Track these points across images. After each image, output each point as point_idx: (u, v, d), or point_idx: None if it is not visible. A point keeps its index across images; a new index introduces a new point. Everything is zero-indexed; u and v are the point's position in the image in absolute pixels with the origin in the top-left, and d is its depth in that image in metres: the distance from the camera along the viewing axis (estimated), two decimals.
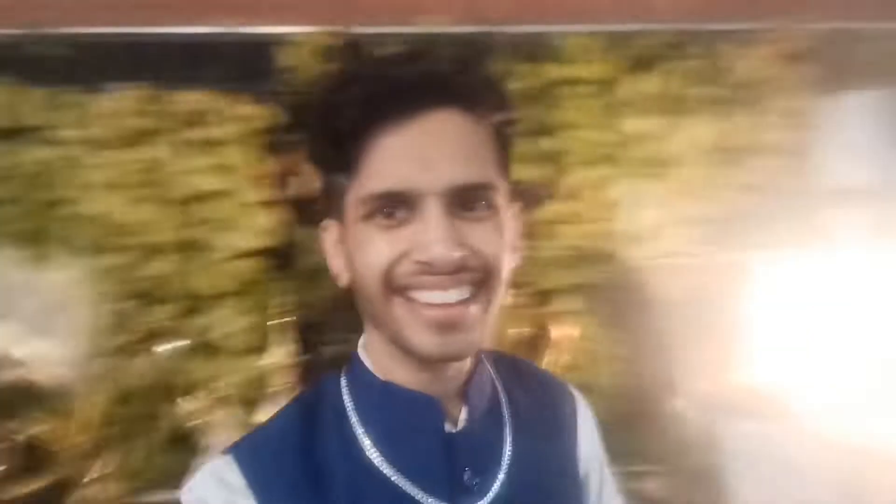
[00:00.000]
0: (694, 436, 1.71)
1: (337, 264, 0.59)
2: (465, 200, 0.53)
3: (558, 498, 0.64)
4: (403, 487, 0.56)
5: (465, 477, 0.57)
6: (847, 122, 1.98)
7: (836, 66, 2.10)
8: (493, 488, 0.58)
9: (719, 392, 1.51)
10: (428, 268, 0.52)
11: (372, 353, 0.60)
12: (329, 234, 0.59)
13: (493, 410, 0.62)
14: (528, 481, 0.61)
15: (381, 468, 0.56)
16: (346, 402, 0.59)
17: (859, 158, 1.83)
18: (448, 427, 0.58)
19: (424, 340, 0.53)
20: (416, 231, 0.52)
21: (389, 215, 0.53)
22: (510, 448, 0.61)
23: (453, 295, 0.53)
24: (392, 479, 0.56)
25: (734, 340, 1.59)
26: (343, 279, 0.58)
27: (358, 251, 0.55)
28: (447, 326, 0.53)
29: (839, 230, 1.83)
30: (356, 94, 0.52)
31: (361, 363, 0.60)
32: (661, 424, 1.84)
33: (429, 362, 0.56)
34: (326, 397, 0.60)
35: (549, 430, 0.66)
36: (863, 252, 1.73)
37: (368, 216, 0.53)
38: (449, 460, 0.57)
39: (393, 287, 0.53)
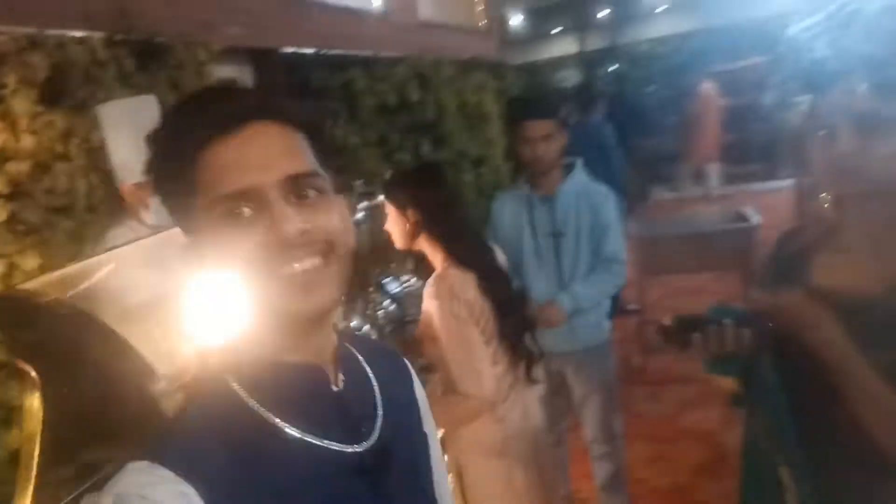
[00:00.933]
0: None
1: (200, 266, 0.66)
2: (299, 189, 0.64)
3: (418, 443, 0.80)
4: (315, 442, 0.65)
5: (356, 422, 0.70)
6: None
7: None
8: (376, 430, 0.71)
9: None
10: (285, 244, 0.62)
11: (255, 336, 0.67)
12: (186, 239, 0.67)
13: (360, 371, 0.75)
14: (398, 425, 0.74)
15: (290, 432, 0.64)
16: (238, 390, 0.66)
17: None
18: (333, 388, 0.70)
19: (295, 303, 0.63)
20: (267, 218, 0.62)
21: (238, 215, 0.62)
22: (380, 399, 0.74)
23: (307, 263, 0.63)
24: (304, 438, 0.65)
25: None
26: (215, 277, 0.65)
27: (223, 250, 0.63)
28: (309, 287, 0.63)
29: None
30: (186, 124, 0.63)
31: (245, 353, 0.67)
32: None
33: (305, 321, 0.66)
34: (217, 393, 0.66)
35: (400, 387, 0.81)
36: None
37: (222, 219, 0.62)
38: (341, 412, 0.69)
39: (264, 270, 0.62)
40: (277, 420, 0.65)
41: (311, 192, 0.65)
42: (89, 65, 2.54)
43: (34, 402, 1.26)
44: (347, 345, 0.77)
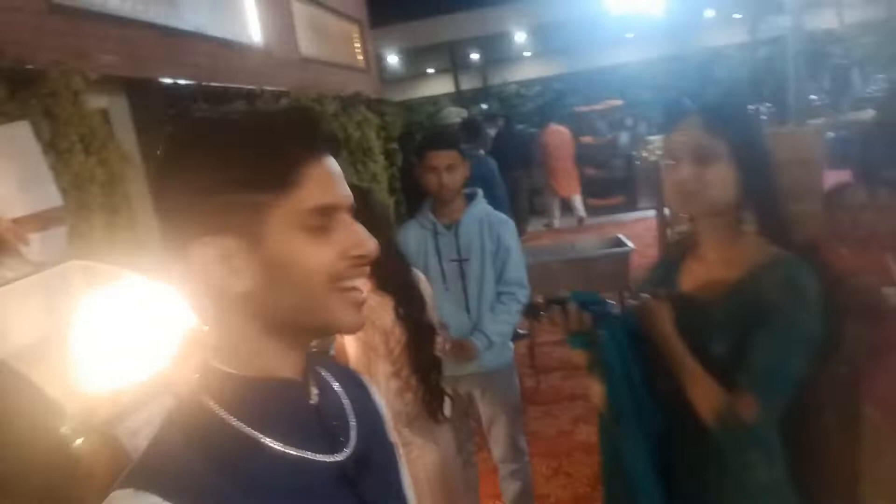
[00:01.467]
0: None
1: (230, 276, 0.64)
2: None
3: (389, 452, 0.83)
4: (299, 454, 0.66)
5: (334, 432, 0.72)
6: None
7: None
8: (352, 439, 0.73)
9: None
10: (361, 260, 0.67)
11: (239, 362, 0.67)
12: (212, 249, 0.64)
13: (327, 385, 0.77)
14: (370, 434, 0.77)
15: (274, 447, 0.65)
16: (218, 412, 0.65)
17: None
18: (310, 401, 0.72)
19: (350, 317, 0.68)
20: (345, 234, 0.67)
21: (322, 227, 0.65)
22: (351, 411, 0.77)
23: (360, 282, 0.68)
24: (288, 451, 0.66)
25: None
26: (238, 287, 0.64)
27: (298, 256, 0.64)
28: (360, 303, 0.69)
29: None
30: (295, 132, 0.66)
31: (229, 374, 0.67)
32: None
33: (318, 335, 0.73)
34: (194, 417, 0.66)
35: (364, 398, 0.83)
36: None
37: (305, 228, 0.64)
38: (320, 424, 0.71)
39: (333, 283, 0.66)
40: (260, 435, 0.65)
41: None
42: None
43: None
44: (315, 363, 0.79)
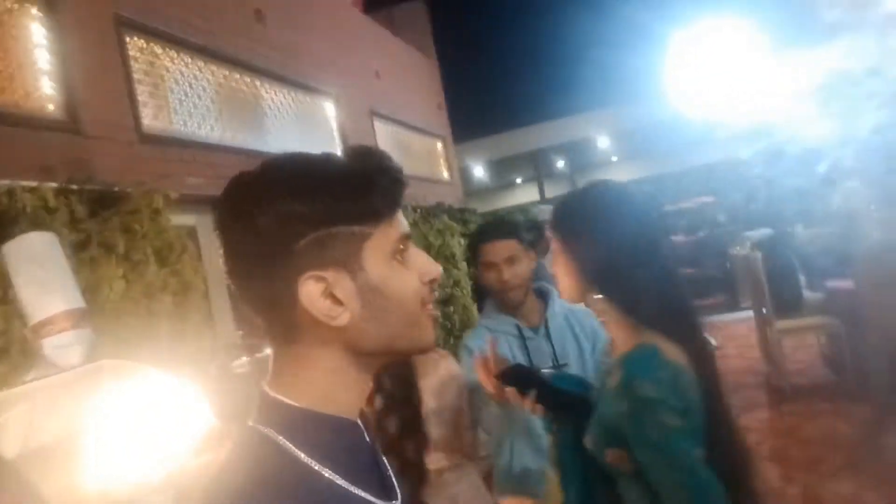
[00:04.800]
0: None
1: (334, 308, 0.65)
2: None
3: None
4: (362, 495, 0.65)
5: (387, 477, 0.72)
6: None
7: None
8: (397, 485, 0.73)
9: None
10: (435, 284, 0.72)
11: (312, 398, 0.66)
12: (319, 284, 0.65)
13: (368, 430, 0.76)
14: (402, 483, 0.76)
15: (339, 483, 0.64)
16: (289, 448, 0.64)
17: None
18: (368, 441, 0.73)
19: (434, 334, 0.73)
20: (419, 261, 0.72)
21: (403, 253, 0.70)
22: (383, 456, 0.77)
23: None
24: (352, 491, 0.64)
25: None
26: (344, 318, 0.66)
27: (394, 282, 0.68)
28: (435, 325, 0.73)
29: None
30: (382, 169, 0.69)
31: (300, 409, 0.66)
32: None
33: (430, 349, 0.75)
34: (264, 453, 0.64)
35: None
36: None
37: (393, 254, 0.69)
38: (378, 466, 0.72)
39: (422, 302, 0.70)
40: (327, 471, 0.64)
41: None
42: (38, 210, 2.59)
43: None
44: None
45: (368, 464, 0.70)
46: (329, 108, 6.17)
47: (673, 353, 1.13)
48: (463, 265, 7.38)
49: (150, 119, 3.90)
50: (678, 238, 9.67)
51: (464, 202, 9.76)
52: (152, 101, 3.98)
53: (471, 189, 13.65)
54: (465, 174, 13.94)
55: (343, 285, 0.65)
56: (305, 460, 0.63)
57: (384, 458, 0.76)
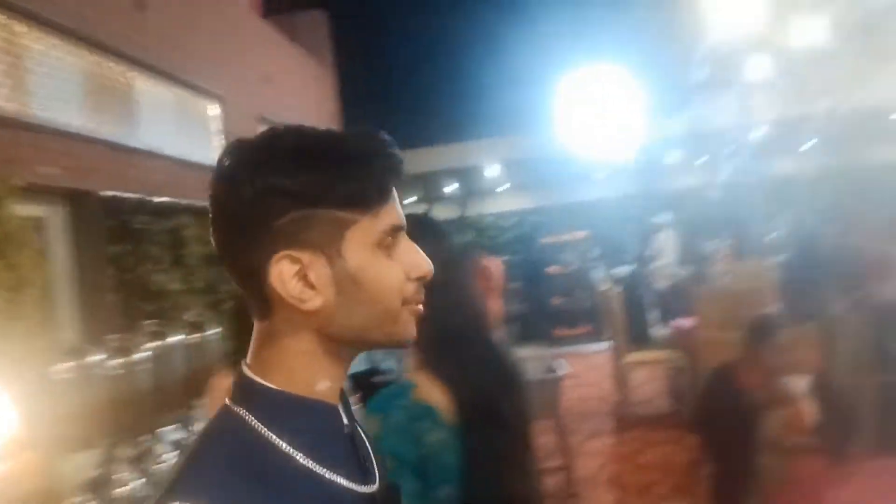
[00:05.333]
0: None
1: (306, 291, 0.64)
2: None
3: (399, 494, 0.79)
4: (335, 479, 0.65)
5: (365, 462, 0.71)
6: None
7: None
8: (376, 471, 0.72)
9: None
10: (423, 281, 0.69)
11: (287, 380, 0.66)
12: (293, 265, 0.64)
13: (353, 416, 0.74)
14: (386, 468, 0.77)
15: (311, 467, 0.64)
16: (260, 429, 0.63)
17: None
18: (345, 427, 0.71)
19: (412, 330, 0.70)
20: (409, 255, 0.69)
21: (389, 245, 0.67)
22: (369, 443, 0.76)
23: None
24: (325, 475, 0.64)
25: None
26: (315, 303, 0.65)
27: (374, 273, 0.66)
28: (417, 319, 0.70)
29: None
30: (383, 154, 0.67)
31: (273, 391, 0.65)
32: None
33: (407, 346, 0.71)
34: (236, 432, 0.64)
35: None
36: None
37: (379, 245, 0.66)
38: (353, 451, 0.70)
39: (403, 297, 0.67)
40: (299, 454, 0.63)
41: None
42: None
43: None
44: None
45: (345, 449, 0.69)
46: (213, 109, 5.97)
47: (430, 393, 1.13)
48: None
49: (2, 100, 3.61)
50: (554, 269, 10.14)
51: None
52: (7, 81, 3.69)
53: None
54: None
55: (318, 270, 0.64)
56: (277, 443, 0.63)
57: (367, 444, 0.75)
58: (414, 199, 17.86)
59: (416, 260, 0.69)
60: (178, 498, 0.58)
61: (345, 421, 0.71)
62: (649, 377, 5.98)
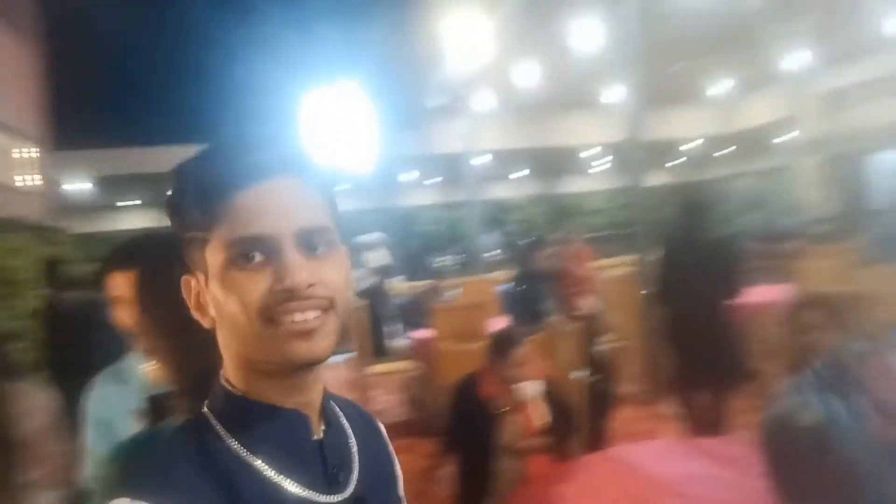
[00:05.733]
0: None
1: (201, 310, 0.69)
2: (311, 242, 0.67)
3: (391, 499, 0.82)
4: (292, 489, 0.66)
5: (335, 472, 0.71)
6: None
7: None
8: (352, 481, 0.72)
9: None
10: (290, 295, 0.64)
11: (241, 382, 0.68)
12: (191, 286, 0.69)
13: (339, 425, 0.76)
14: (373, 479, 0.75)
15: (266, 474, 0.66)
16: (217, 429, 0.67)
17: None
18: (314, 437, 0.71)
19: (293, 349, 0.65)
20: (278, 268, 0.64)
21: (250, 259, 0.65)
22: (356, 453, 0.75)
23: (310, 315, 0.65)
24: (282, 483, 0.66)
25: None
26: (208, 323, 0.68)
27: (230, 292, 0.65)
28: (308, 334, 0.65)
29: None
30: (215, 170, 0.66)
31: (231, 392, 0.68)
32: None
33: (299, 368, 0.67)
34: (198, 430, 0.68)
35: (376, 446, 0.82)
36: None
37: (233, 261, 0.65)
38: (322, 460, 0.70)
39: (266, 316, 0.64)
40: (253, 459, 0.66)
41: (321, 247, 0.67)
42: None
43: None
44: (330, 398, 0.77)
45: (309, 457, 0.69)
46: None
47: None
48: (37, 293, 6.21)
49: None
50: None
51: (51, 217, 8.31)
52: None
53: (62, 202, 11.70)
54: (59, 187, 12.01)
55: (201, 290, 0.68)
56: (235, 447, 0.66)
57: (351, 451, 0.74)
58: (139, 201, 16.06)
59: (283, 272, 0.64)
60: (128, 494, 0.61)
61: (320, 428, 0.72)
62: (389, 388, 6.14)
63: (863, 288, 4.23)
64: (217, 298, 0.65)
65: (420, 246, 13.09)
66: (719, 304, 3.93)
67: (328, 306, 0.66)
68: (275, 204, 0.65)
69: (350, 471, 0.72)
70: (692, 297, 3.88)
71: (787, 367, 2.23)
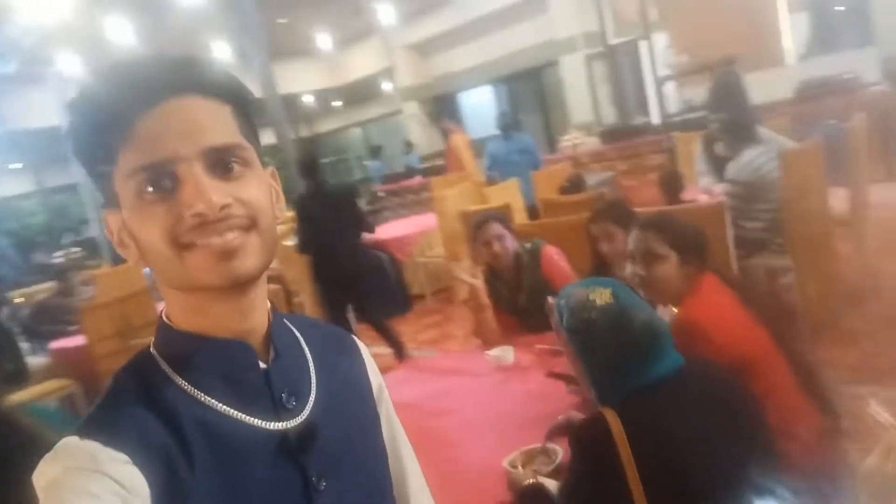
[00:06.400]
0: None
1: (125, 247, 0.66)
2: (222, 161, 0.63)
3: (363, 424, 0.79)
4: (237, 417, 0.65)
5: (283, 399, 0.69)
6: None
7: None
8: (307, 407, 0.70)
9: None
10: (202, 219, 0.61)
11: (179, 317, 0.67)
12: (111, 223, 0.67)
13: (296, 350, 0.74)
14: (335, 403, 0.74)
15: (210, 404, 0.65)
16: (163, 366, 0.66)
17: None
18: (262, 365, 0.70)
19: (214, 272, 0.62)
20: (187, 192, 0.61)
21: (157, 187, 0.61)
22: (315, 377, 0.73)
23: (228, 236, 0.62)
24: (225, 411, 0.65)
25: None
26: (133, 258, 0.66)
27: (143, 223, 0.62)
28: (229, 255, 0.62)
29: None
30: (109, 97, 0.61)
31: (171, 328, 0.67)
32: None
33: (227, 291, 0.64)
34: (143, 369, 0.66)
35: (345, 367, 0.80)
36: None
37: (141, 191, 0.62)
38: (269, 388, 0.68)
39: (181, 243, 0.61)
40: (197, 392, 0.65)
41: (236, 166, 0.64)
42: None
43: None
44: (287, 322, 0.76)
45: (253, 385, 0.68)
46: None
47: None
48: None
49: None
50: None
51: None
52: None
53: None
54: None
55: (120, 225, 0.65)
56: (180, 383, 0.65)
57: (308, 375, 0.73)
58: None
59: (190, 197, 0.61)
60: (77, 433, 0.60)
61: (268, 355, 0.69)
62: None
63: (491, 204, 5.00)
64: (133, 232, 0.64)
65: (21, 244, 10.91)
66: (351, 243, 4.30)
67: (249, 225, 0.64)
68: (176, 125, 0.61)
69: (304, 395, 0.71)
70: (325, 242, 4.20)
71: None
